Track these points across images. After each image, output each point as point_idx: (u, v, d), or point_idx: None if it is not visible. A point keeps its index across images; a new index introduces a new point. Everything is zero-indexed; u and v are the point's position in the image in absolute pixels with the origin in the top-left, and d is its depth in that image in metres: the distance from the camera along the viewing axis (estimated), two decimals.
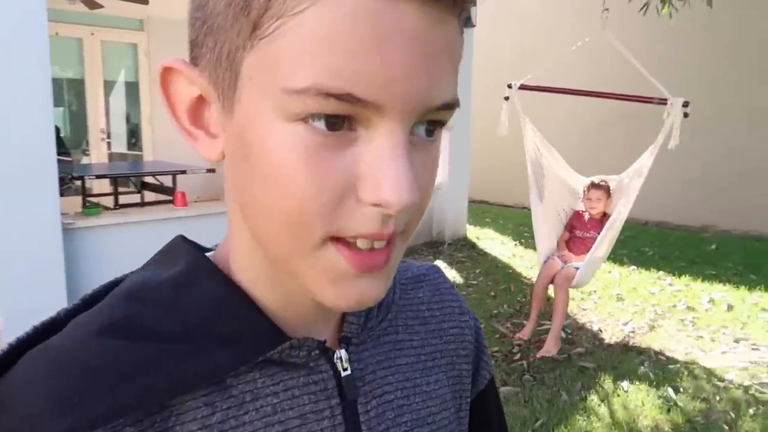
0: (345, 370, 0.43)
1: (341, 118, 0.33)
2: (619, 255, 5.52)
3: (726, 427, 2.64)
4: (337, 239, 0.35)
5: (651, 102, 3.56)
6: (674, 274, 4.96)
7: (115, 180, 6.19)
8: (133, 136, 9.26)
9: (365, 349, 0.46)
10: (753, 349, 3.45)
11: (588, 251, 3.58)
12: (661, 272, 5.04)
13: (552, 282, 3.66)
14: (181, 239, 0.46)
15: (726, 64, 6.81)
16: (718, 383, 3.01)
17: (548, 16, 8.46)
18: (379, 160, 0.33)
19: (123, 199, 6.23)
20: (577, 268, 3.55)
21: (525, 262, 5.49)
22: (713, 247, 5.90)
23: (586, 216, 3.78)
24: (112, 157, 8.78)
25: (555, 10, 8.34)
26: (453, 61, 0.35)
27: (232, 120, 0.36)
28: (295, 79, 0.31)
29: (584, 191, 3.78)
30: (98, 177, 5.86)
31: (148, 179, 6.86)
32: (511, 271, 5.25)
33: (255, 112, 0.34)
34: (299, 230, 0.34)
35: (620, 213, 3.49)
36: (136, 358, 0.37)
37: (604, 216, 3.68)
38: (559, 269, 3.63)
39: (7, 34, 3.30)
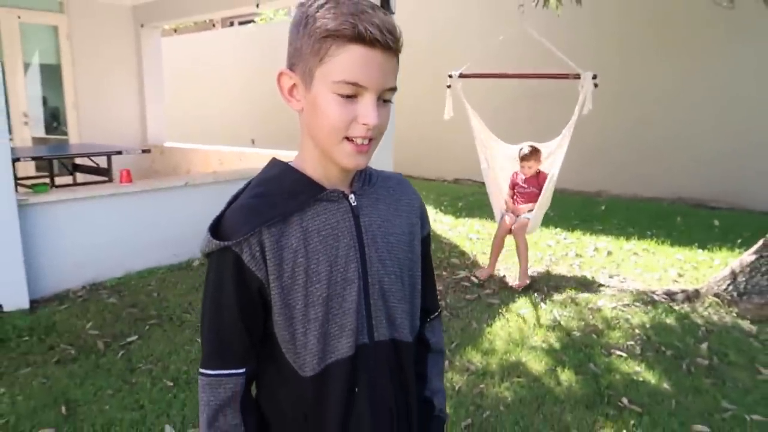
0: (354, 203, 0.96)
1: (352, 95, 0.85)
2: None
3: (595, 336, 3.39)
4: (348, 139, 0.87)
5: (567, 77, 4.22)
6: (569, 230, 5.80)
7: (51, 162, 6.31)
8: (55, 119, 9.15)
9: (363, 197, 0.98)
10: (621, 282, 4.27)
11: (529, 201, 4.38)
12: (558, 229, 5.86)
13: (510, 233, 4.38)
14: (274, 159, 0.98)
15: (614, 49, 7.73)
16: (593, 307, 3.78)
17: (461, 3, 9.12)
18: (365, 108, 0.85)
19: (55, 182, 6.38)
20: (528, 219, 4.31)
21: (444, 226, 6.17)
22: (603, 208, 6.82)
23: (523, 176, 4.50)
24: (34, 140, 8.67)
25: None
26: (394, 70, 0.87)
27: (309, 94, 0.88)
28: (337, 75, 0.84)
29: (520, 159, 4.46)
30: (35, 159, 5.96)
31: (79, 161, 6.98)
32: (431, 233, 5.90)
33: (318, 89, 0.86)
34: (335, 136, 0.87)
35: (553, 173, 4.23)
36: (270, 202, 0.90)
37: (538, 173, 4.42)
38: (513, 222, 4.35)
39: None
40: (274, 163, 0.97)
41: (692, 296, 3.71)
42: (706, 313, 3.56)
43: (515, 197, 4.56)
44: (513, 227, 4.33)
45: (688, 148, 7.31)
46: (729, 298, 3.56)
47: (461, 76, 4.55)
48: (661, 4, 7.28)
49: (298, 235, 0.89)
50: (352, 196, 0.95)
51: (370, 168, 1.02)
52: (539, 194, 4.32)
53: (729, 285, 3.59)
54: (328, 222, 0.92)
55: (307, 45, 0.85)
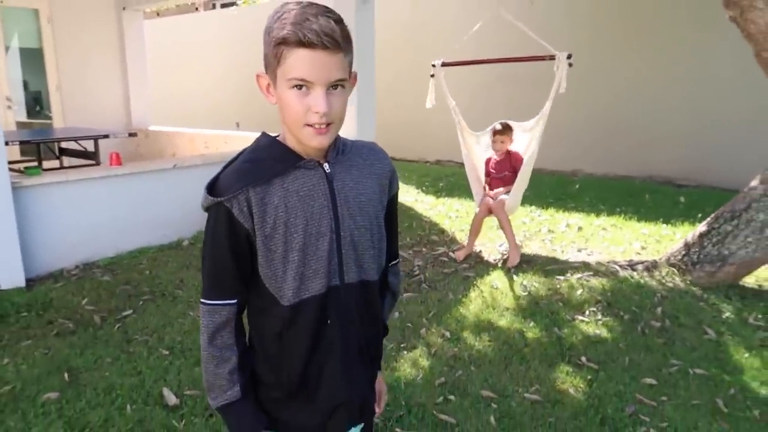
0: (328, 170, 1.17)
1: (304, 86, 1.05)
2: None
3: (560, 304, 3.66)
4: (309, 125, 1.08)
5: (543, 59, 4.36)
6: (543, 208, 6.07)
7: (38, 146, 6.41)
8: (37, 103, 9.18)
9: (336, 165, 1.18)
10: (588, 255, 4.55)
11: (504, 185, 4.56)
12: (533, 207, 6.13)
13: (490, 214, 4.57)
14: (263, 133, 1.19)
15: (586, 33, 7.96)
16: (560, 277, 4.06)
17: None
18: (315, 99, 1.05)
19: (43, 165, 6.48)
20: (505, 198, 4.49)
21: (425, 205, 6.41)
22: (577, 186, 7.11)
23: (494, 159, 4.66)
24: (18, 125, 8.70)
25: None
26: (339, 65, 1.06)
27: (276, 91, 1.10)
28: (289, 74, 1.05)
29: (492, 134, 4.61)
30: (22, 143, 6.07)
31: (66, 145, 7.08)
32: (413, 212, 6.15)
33: (280, 87, 1.08)
34: (297, 123, 1.08)
35: (532, 151, 4.36)
36: (257, 167, 1.12)
37: (508, 153, 4.57)
38: (492, 202, 4.54)
39: None
40: (264, 135, 1.20)
41: (651, 266, 4.00)
42: (662, 281, 3.85)
43: (491, 182, 4.71)
44: (492, 207, 4.53)
45: (658, 129, 7.59)
46: (684, 267, 3.85)
47: (444, 64, 4.72)
48: None
49: (279, 195, 1.12)
50: (326, 165, 1.17)
51: (346, 139, 1.23)
52: (512, 177, 4.50)
53: (684, 255, 3.88)
54: (305, 185, 1.14)
55: (270, 51, 1.06)
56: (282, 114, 1.10)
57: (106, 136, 6.53)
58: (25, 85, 9.00)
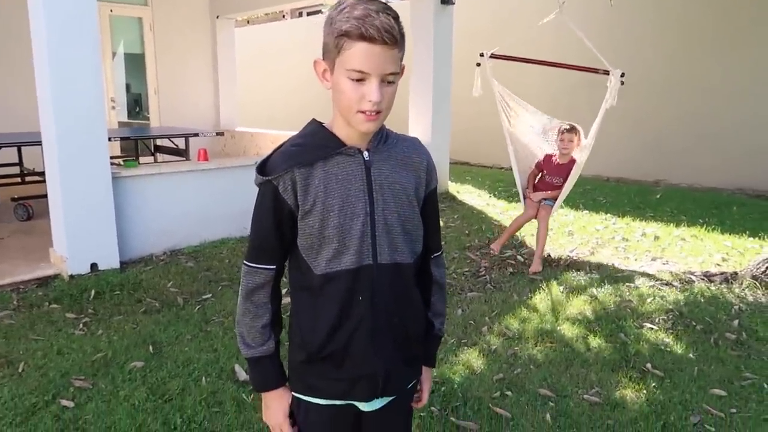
0: (367, 158, 1.27)
1: (360, 77, 1.16)
2: (576, 203, 6.44)
3: (629, 310, 3.58)
4: (361, 112, 1.18)
5: (596, 72, 4.33)
6: (619, 216, 5.89)
7: (136, 142, 6.95)
8: (137, 104, 9.91)
9: (376, 153, 1.29)
10: (663, 264, 4.39)
11: (551, 190, 4.53)
12: (608, 215, 5.97)
13: (535, 217, 4.58)
14: (313, 119, 1.32)
15: (677, 39, 7.66)
16: (630, 284, 3.95)
17: None
18: (369, 89, 1.16)
19: (139, 160, 7.01)
20: (551, 205, 4.51)
21: (496, 209, 6.40)
22: (658, 196, 6.84)
23: (555, 161, 4.58)
24: (119, 124, 9.42)
25: None
26: (393, 59, 1.17)
27: (333, 77, 1.21)
28: (348, 65, 1.16)
29: (558, 134, 4.55)
30: (122, 139, 6.61)
31: (160, 142, 7.62)
32: (483, 216, 6.16)
33: (338, 74, 1.19)
34: (350, 109, 1.19)
35: (581, 160, 4.37)
36: (303, 151, 1.24)
37: (571, 161, 4.51)
38: (538, 207, 4.55)
39: (62, 18, 4.05)
40: (312, 122, 1.31)
41: (730, 278, 3.82)
42: (741, 294, 3.67)
43: (539, 182, 4.66)
44: (540, 213, 4.50)
45: (751, 139, 7.18)
46: (767, 280, 3.65)
47: (492, 56, 4.71)
48: None
49: (320, 177, 1.23)
50: (366, 153, 1.27)
51: (391, 131, 1.33)
52: (561, 186, 4.45)
53: (767, 267, 3.68)
54: (344, 170, 1.24)
55: (330, 41, 1.17)
56: (335, 99, 1.21)
57: (195, 135, 6.99)
58: (128, 87, 9.77)
